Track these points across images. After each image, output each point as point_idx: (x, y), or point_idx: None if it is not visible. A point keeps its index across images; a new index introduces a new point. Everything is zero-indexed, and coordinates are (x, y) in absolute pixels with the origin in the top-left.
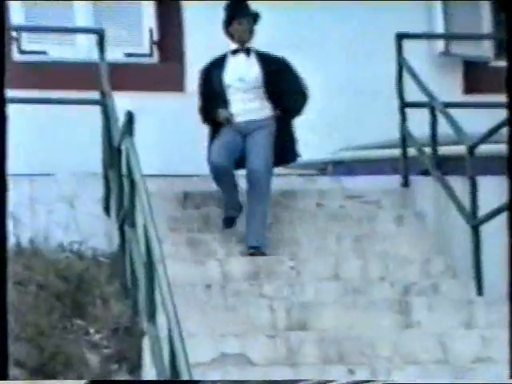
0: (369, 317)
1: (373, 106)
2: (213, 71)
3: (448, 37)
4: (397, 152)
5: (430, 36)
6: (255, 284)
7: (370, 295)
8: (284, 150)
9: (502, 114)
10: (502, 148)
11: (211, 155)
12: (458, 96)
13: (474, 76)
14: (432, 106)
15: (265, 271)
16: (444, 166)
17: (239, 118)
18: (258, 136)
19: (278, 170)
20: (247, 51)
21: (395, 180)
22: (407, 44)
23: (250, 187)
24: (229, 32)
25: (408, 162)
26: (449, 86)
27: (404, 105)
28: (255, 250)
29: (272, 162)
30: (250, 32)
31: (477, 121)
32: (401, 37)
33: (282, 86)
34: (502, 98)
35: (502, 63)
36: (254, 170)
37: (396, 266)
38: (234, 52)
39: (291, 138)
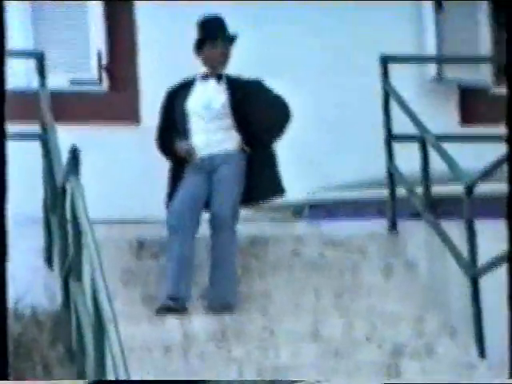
0: (354, 383)
1: (356, 138)
2: (177, 96)
3: (441, 60)
4: (383, 192)
5: (420, 59)
6: (222, 346)
7: (354, 358)
8: (263, 183)
9: (504, 147)
10: (504, 187)
11: (170, 207)
12: (454, 127)
13: (472, 104)
14: (423, 139)
15: (233, 331)
16: (437, 208)
17: (202, 152)
18: (222, 173)
19: (246, 213)
20: (218, 77)
21: (382, 224)
22: (394, 68)
23: (214, 233)
24: (200, 55)
25: (396, 204)
26: (443, 116)
27: (391, 137)
28: (221, 307)
29: (239, 203)
30: (225, 57)
31: (475, 156)
32: (386, 59)
33: (252, 112)
34: (504, 129)
35: (503, 90)
36: (217, 213)
37: (384, 325)
38: (204, 77)
39: (271, 170)
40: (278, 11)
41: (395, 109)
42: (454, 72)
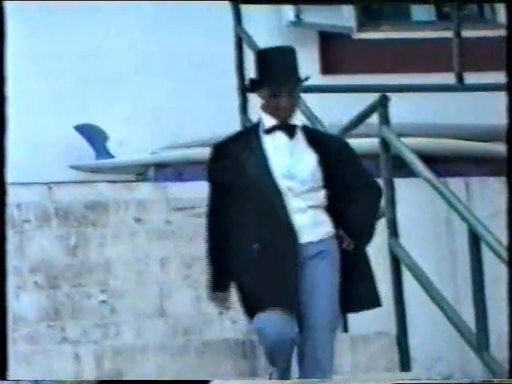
0: (203, 363)
1: (205, 90)
2: (233, 157)
3: (298, 1)
4: None
5: (275, 0)
6: (55, 325)
7: (205, 335)
8: (359, 292)
9: (369, 98)
10: (372, 143)
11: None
12: (314, 77)
13: (334, 52)
14: None
15: (67, 308)
16: None
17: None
18: (316, 269)
19: (82, 175)
20: (290, 129)
21: None
22: (247, 11)
23: (304, 355)
24: (258, 95)
25: None
26: (301, 64)
27: (244, 88)
28: None
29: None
30: (294, 105)
31: (338, 108)
32: (236, 0)
33: (348, 187)
34: (369, 78)
35: (369, 35)
36: (313, 326)
37: None
38: (269, 130)
39: (368, 275)
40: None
41: (250, 57)
42: (313, 16)
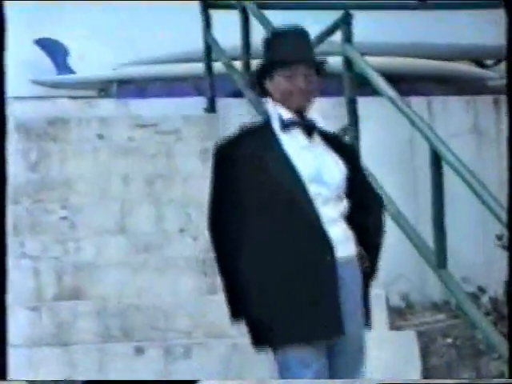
0: (163, 280)
1: (169, 5)
2: (259, 154)
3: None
4: (200, 67)
5: None
6: (14, 240)
7: (165, 252)
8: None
9: (332, 15)
10: (335, 61)
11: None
12: None
13: None
14: (243, 5)
15: (27, 223)
16: None
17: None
18: (350, 286)
19: (43, 90)
20: (309, 126)
21: (199, 103)
22: None
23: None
24: (267, 87)
25: (214, 80)
26: None
27: (207, 4)
28: None
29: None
30: (313, 89)
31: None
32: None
33: (361, 199)
34: None
35: None
36: (344, 352)
37: (200, 215)
38: (286, 125)
39: (365, 295)
40: None
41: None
42: None
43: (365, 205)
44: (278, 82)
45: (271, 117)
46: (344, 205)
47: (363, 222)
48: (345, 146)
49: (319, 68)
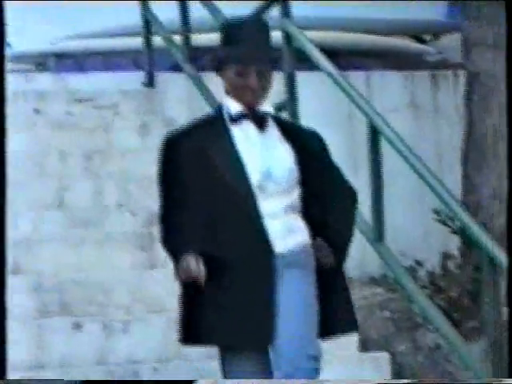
0: (101, 255)
1: None
2: (206, 148)
3: None
4: (138, 41)
5: None
6: None
7: (104, 227)
8: (337, 315)
9: None
10: (273, 36)
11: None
12: None
13: None
14: None
15: None
16: (199, 59)
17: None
18: (291, 282)
19: None
20: (260, 118)
21: (137, 78)
22: None
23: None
24: (220, 76)
25: (153, 55)
26: None
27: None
28: None
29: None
30: (265, 86)
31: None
32: None
33: (324, 190)
34: None
35: None
36: (286, 353)
37: (139, 190)
38: (236, 119)
39: (346, 296)
40: None
41: None
42: None
43: (324, 193)
44: (229, 76)
45: (223, 108)
46: (294, 197)
47: (322, 212)
48: (304, 135)
49: (275, 62)
